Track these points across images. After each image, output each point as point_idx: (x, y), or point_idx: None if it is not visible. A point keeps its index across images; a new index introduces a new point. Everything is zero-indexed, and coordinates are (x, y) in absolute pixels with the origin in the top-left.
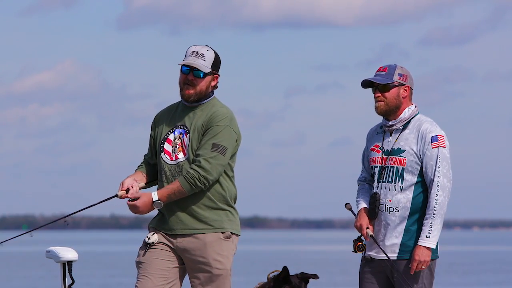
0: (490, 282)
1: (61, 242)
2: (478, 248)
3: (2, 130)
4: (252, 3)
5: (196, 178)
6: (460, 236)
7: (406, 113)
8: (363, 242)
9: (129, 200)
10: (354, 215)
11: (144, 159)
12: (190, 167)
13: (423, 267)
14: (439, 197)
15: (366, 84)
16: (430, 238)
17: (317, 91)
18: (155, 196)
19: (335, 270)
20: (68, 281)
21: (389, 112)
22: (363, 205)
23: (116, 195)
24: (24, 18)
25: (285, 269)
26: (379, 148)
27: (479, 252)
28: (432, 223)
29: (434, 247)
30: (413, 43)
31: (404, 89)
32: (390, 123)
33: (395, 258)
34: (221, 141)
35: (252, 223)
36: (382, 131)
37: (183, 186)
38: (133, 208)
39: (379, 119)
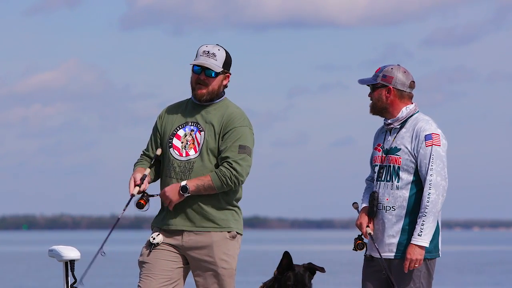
0: (491, 282)
1: (62, 241)
2: (479, 248)
3: (5, 130)
4: (256, 3)
5: (228, 177)
6: (460, 236)
7: (403, 112)
8: (363, 241)
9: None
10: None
11: (142, 154)
12: (221, 166)
13: (416, 265)
14: (432, 195)
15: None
16: (422, 236)
17: (320, 91)
18: (183, 182)
19: (335, 270)
20: (71, 280)
21: (377, 113)
22: (365, 204)
23: (132, 195)
24: (28, 18)
25: (286, 254)
26: (380, 147)
27: (480, 252)
28: (424, 221)
29: (426, 245)
30: (417, 43)
31: (387, 91)
32: (388, 122)
33: (392, 257)
34: (245, 142)
35: (253, 223)
36: (385, 130)
37: (214, 181)
38: (163, 195)
39: (381, 119)
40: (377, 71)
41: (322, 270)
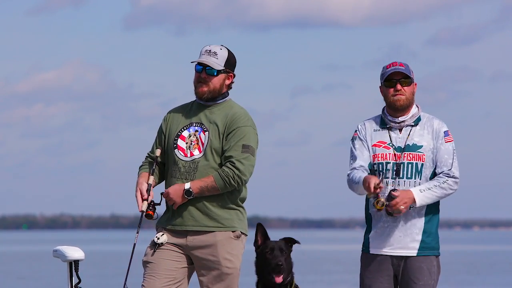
0: (491, 282)
1: (63, 241)
2: (479, 248)
3: (7, 129)
4: (259, 3)
5: (231, 177)
6: (460, 236)
7: (415, 109)
8: (380, 197)
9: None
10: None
11: (147, 156)
12: (224, 166)
13: (402, 208)
14: (448, 183)
15: (391, 75)
16: (421, 193)
17: (323, 91)
18: (187, 185)
19: (335, 270)
20: (75, 280)
21: (406, 107)
22: (366, 174)
23: (142, 212)
24: (31, 18)
25: (259, 225)
26: (388, 145)
27: (480, 252)
28: (432, 187)
29: (417, 203)
30: (421, 43)
31: (414, 86)
32: (400, 119)
33: (415, 255)
34: (249, 142)
35: (252, 222)
36: (384, 127)
37: (217, 182)
38: (166, 197)
39: None
40: (402, 65)
41: (297, 242)
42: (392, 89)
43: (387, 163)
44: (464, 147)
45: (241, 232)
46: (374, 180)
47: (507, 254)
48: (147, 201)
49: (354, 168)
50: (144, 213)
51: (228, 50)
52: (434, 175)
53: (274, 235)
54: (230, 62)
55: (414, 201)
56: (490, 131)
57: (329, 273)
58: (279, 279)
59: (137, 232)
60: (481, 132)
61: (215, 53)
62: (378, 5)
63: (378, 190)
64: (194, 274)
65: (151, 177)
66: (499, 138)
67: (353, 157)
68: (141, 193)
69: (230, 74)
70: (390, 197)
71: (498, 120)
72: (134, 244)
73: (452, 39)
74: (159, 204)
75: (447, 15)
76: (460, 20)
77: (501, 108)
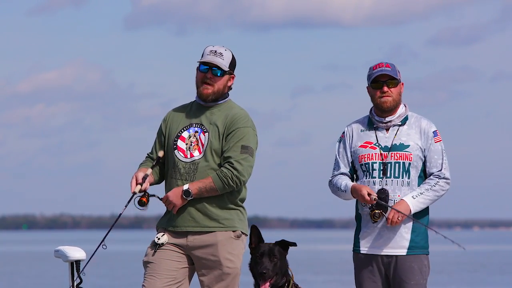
0: (490, 282)
1: (64, 241)
2: (479, 248)
3: (7, 130)
4: (260, 3)
5: (229, 177)
6: (460, 236)
7: (402, 109)
8: (376, 209)
9: (142, 197)
10: (384, 204)
11: (147, 157)
12: (223, 167)
13: (399, 219)
14: (438, 186)
15: (378, 77)
16: (415, 199)
17: (324, 91)
18: (185, 186)
19: (335, 270)
20: (76, 280)
21: (393, 108)
22: (351, 183)
23: (134, 193)
24: (32, 18)
25: (253, 228)
26: (374, 145)
27: (479, 252)
28: (423, 192)
29: (412, 211)
30: (422, 43)
31: (401, 86)
32: (387, 119)
33: (405, 254)
34: (248, 143)
35: (252, 222)
36: (371, 128)
37: (215, 183)
38: (166, 201)
39: None
40: (388, 66)
41: (293, 244)
42: (378, 91)
43: (373, 163)
44: (464, 147)
45: (242, 232)
46: (366, 190)
47: (507, 254)
48: (141, 186)
49: (336, 176)
50: (138, 199)
51: (231, 52)
52: (423, 173)
53: (274, 235)
54: (233, 64)
55: (410, 210)
56: (490, 132)
57: (328, 273)
58: (263, 287)
59: (125, 206)
60: (481, 132)
61: (221, 54)
62: (379, 5)
63: (374, 201)
64: (195, 275)
65: (150, 169)
66: (499, 138)
67: (336, 165)
68: (136, 179)
69: (232, 75)
70: (380, 201)
71: (498, 120)
72: (120, 214)
73: (453, 39)
74: (154, 195)
75: (448, 15)
76: (461, 20)
77: (502, 108)
